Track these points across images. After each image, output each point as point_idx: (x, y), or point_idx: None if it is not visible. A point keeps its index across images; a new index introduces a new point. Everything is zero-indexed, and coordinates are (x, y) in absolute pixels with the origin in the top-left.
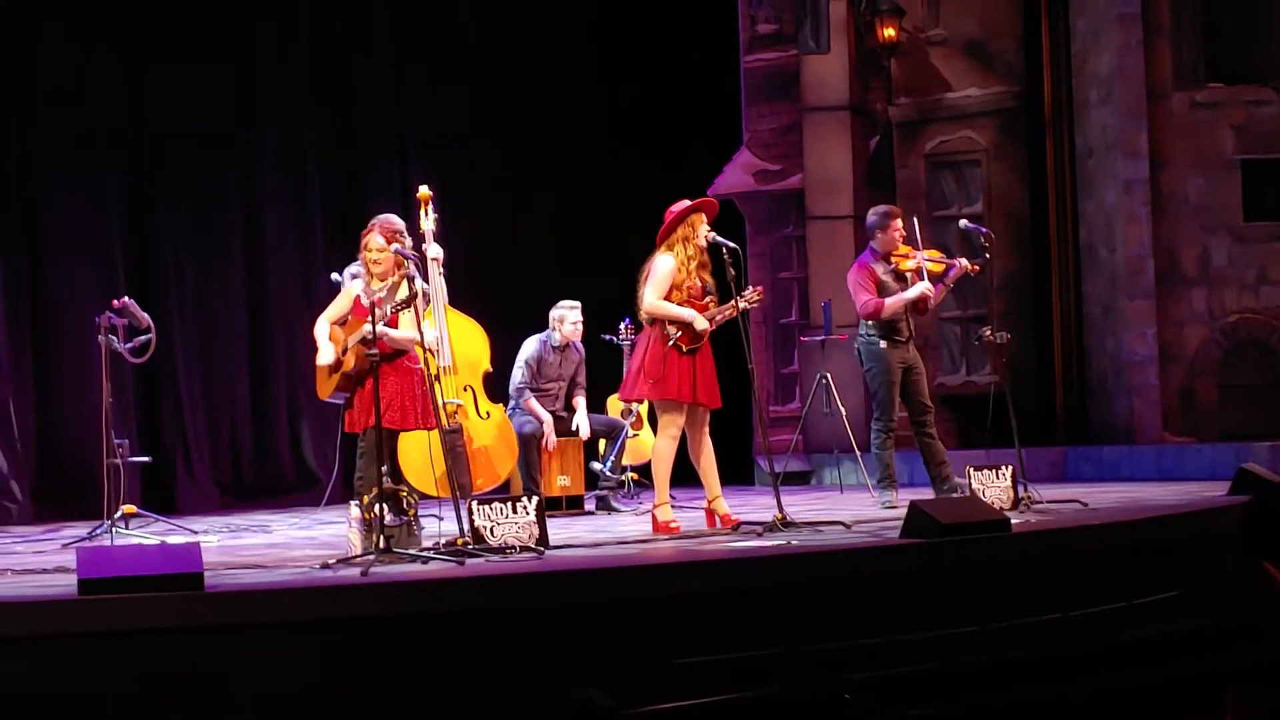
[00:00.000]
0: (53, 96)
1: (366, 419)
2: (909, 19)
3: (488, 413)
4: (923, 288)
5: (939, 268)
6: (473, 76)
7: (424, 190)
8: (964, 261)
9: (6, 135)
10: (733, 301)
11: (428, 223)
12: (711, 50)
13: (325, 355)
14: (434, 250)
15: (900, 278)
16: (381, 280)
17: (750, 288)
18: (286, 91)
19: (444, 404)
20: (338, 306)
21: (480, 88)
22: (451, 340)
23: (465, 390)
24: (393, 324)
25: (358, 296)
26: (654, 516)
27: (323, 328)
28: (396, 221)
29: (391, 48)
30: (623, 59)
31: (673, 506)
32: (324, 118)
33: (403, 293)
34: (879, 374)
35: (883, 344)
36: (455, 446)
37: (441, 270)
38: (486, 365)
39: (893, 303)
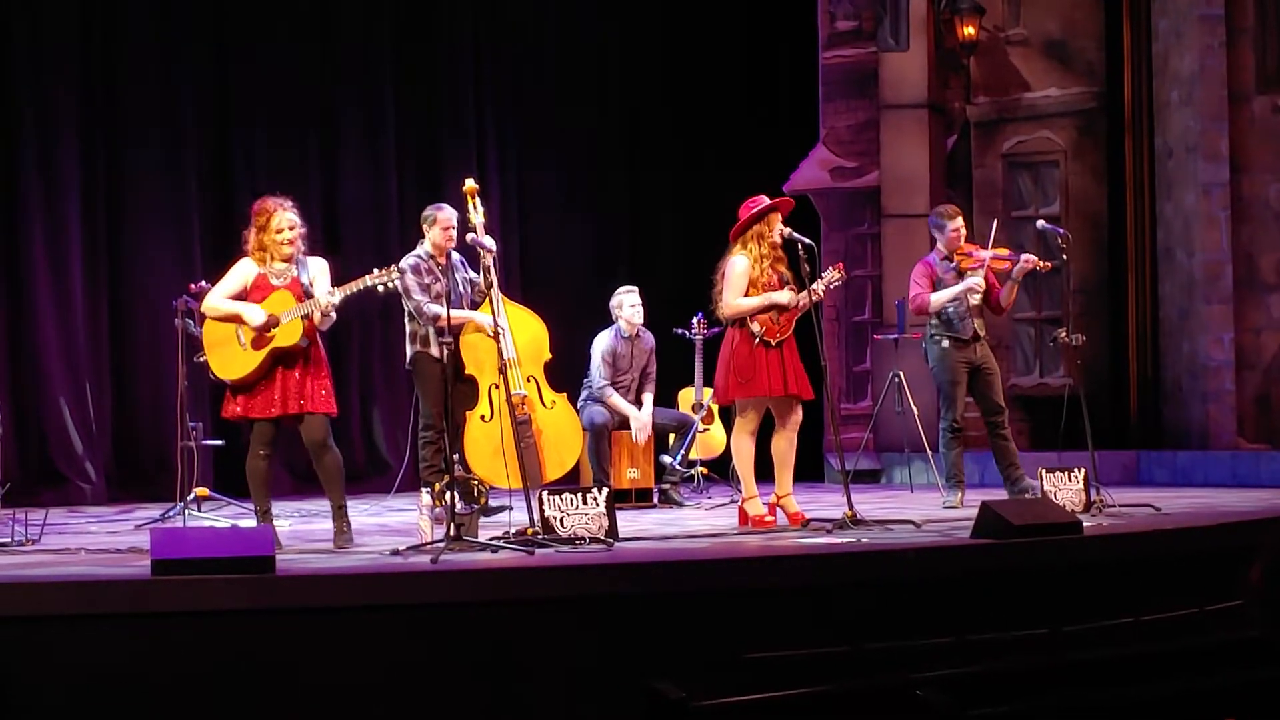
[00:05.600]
0: (135, 84)
1: (267, 408)
2: (989, 18)
3: (553, 402)
4: (969, 283)
5: (1003, 265)
6: (552, 67)
7: (470, 183)
8: (1029, 256)
9: (91, 125)
10: (810, 288)
11: (477, 216)
12: (790, 46)
13: (257, 314)
14: (488, 242)
15: (962, 276)
16: (285, 262)
17: (831, 268)
18: (368, 77)
19: (509, 396)
20: (233, 283)
21: (558, 80)
22: (512, 331)
23: (529, 381)
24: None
25: (262, 274)
26: (743, 510)
27: (223, 300)
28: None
29: (473, 37)
30: (701, 53)
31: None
32: (404, 103)
33: (376, 278)
34: (941, 373)
35: (945, 343)
36: (525, 438)
37: (494, 262)
38: (547, 355)
39: (938, 298)
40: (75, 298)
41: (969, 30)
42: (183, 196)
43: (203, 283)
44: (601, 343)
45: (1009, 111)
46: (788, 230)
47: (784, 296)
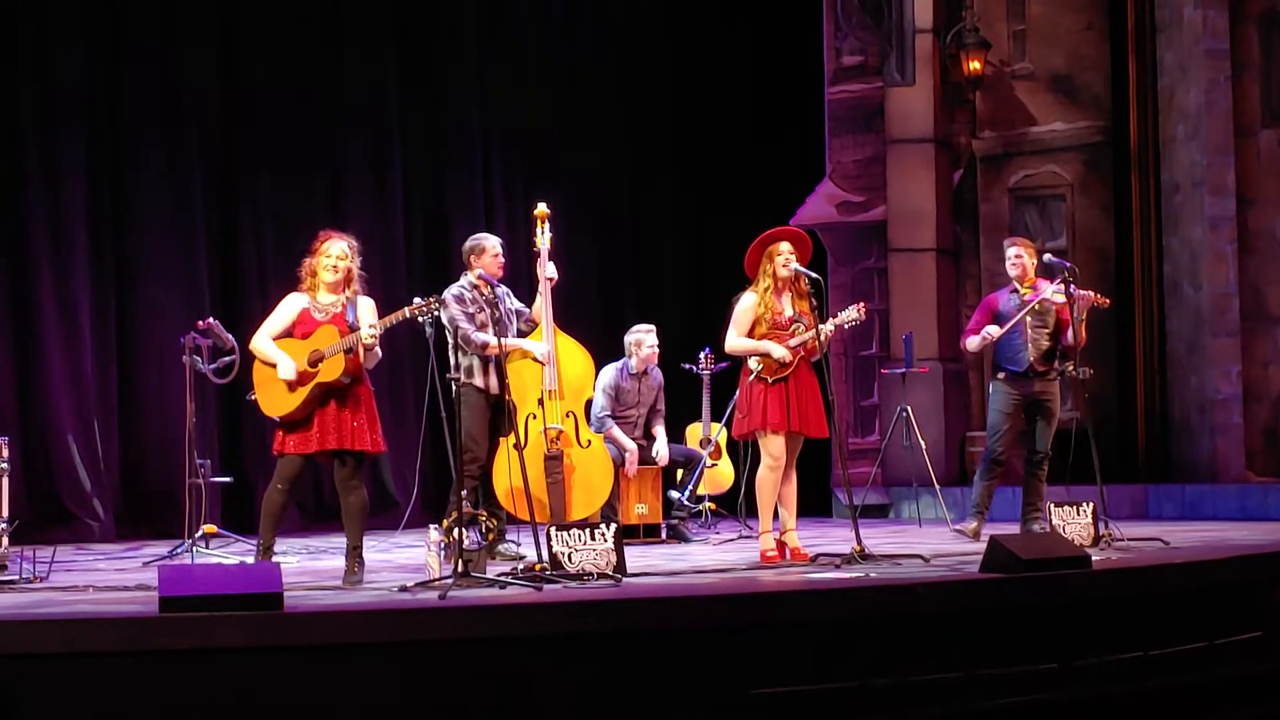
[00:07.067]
0: (142, 120)
1: (306, 444)
2: (995, 52)
3: (589, 441)
4: (986, 331)
5: (1062, 298)
6: (558, 106)
7: (542, 207)
8: (1087, 293)
9: (97, 164)
10: (819, 328)
11: (544, 241)
12: (796, 81)
13: (288, 368)
14: (549, 270)
15: (1023, 309)
16: (331, 293)
17: (852, 306)
18: (374, 116)
19: (545, 429)
20: (279, 320)
21: (564, 120)
22: (560, 364)
23: (568, 417)
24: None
25: (306, 309)
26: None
27: (267, 342)
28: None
29: (476, 68)
30: (706, 89)
31: (746, 535)
32: (410, 140)
33: (416, 310)
34: (991, 405)
35: (1000, 375)
36: (554, 474)
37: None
38: (590, 392)
39: (974, 342)
40: (83, 335)
41: (975, 65)
42: (190, 234)
43: (210, 319)
44: (605, 377)
45: (1015, 146)
46: (793, 265)
47: (777, 350)
